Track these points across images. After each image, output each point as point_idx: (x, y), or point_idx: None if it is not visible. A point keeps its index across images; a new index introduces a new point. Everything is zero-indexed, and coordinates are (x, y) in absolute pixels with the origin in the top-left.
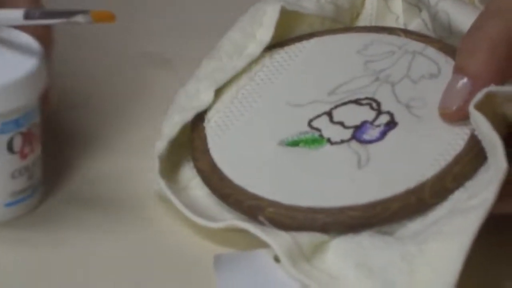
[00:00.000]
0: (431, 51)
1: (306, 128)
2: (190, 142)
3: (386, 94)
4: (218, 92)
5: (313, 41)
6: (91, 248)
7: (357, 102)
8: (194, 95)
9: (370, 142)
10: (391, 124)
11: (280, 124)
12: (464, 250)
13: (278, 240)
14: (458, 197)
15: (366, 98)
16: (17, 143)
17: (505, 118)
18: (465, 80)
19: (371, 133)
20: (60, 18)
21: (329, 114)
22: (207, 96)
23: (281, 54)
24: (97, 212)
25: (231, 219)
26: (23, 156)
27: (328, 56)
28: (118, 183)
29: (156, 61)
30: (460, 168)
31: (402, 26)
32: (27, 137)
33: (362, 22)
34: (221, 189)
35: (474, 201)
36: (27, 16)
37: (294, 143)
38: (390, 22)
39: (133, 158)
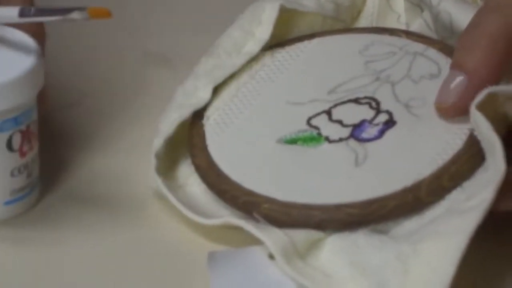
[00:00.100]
0: (432, 52)
1: (304, 126)
2: (188, 139)
3: (386, 94)
4: (218, 90)
5: (315, 41)
6: (89, 247)
7: (356, 101)
8: (192, 92)
9: (368, 140)
10: (390, 123)
11: (279, 122)
12: (460, 250)
13: (272, 237)
14: (455, 197)
15: (366, 97)
16: (16, 141)
17: (506, 117)
18: (462, 76)
19: (370, 131)
20: (56, 16)
21: (328, 112)
22: (205, 94)
23: (282, 54)
24: (95, 210)
25: (226, 216)
26: (22, 154)
27: (329, 56)
28: (117, 181)
29: (155, 59)
30: (458, 167)
31: (403, 25)
32: (26, 135)
33: (363, 20)
34: (218, 185)
35: (472, 202)
36: (22, 14)
37: (293, 141)
38: (391, 21)
39: (131, 157)
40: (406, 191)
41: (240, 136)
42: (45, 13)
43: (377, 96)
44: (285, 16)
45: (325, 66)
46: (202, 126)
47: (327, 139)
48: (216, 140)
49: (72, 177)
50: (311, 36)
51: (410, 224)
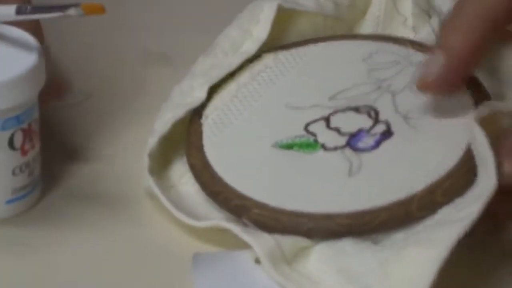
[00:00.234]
0: None
1: (302, 131)
2: (185, 137)
3: (386, 103)
4: (218, 89)
5: (319, 45)
6: (90, 245)
7: (356, 109)
8: (188, 92)
9: (364, 150)
10: (387, 133)
11: (277, 126)
12: (440, 259)
13: (260, 241)
14: (446, 211)
15: (366, 106)
16: (18, 139)
17: (500, 130)
18: (441, 55)
19: (366, 141)
20: (52, 13)
21: (326, 119)
22: (200, 93)
23: (286, 56)
24: (96, 209)
25: (216, 219)
26: (24, 152)
27: (332, 61)
28: (117, 180)
29: (155, 58)
30: (452, 183)
31: (410, 29)
32: (27, 134)
33: (368, 23)
34: (211, 186)
35: (460, 214)
36: (18, 12)
37: (288, 146)
38: (397, 24)
39: (132, 156)
40: (398, 204)
41: (236, 138)
42: (41, 11)
43: (377, 105)
44: (285, 16)
45: (328, 72)
46: (200, 125)
47: (323, 146)
48: (213, 140)
49: (73, 176)
50: (316, 40)
51: (399, 235)
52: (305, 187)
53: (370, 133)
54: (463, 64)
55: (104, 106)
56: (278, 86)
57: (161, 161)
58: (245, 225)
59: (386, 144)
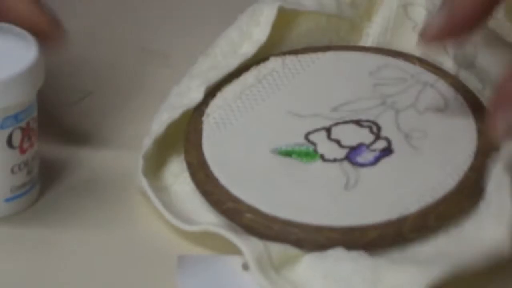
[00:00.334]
0: (442, 84)
1: (302, 140)
2: (185, 134)
3: (388, 120)
4: (222, 89)
5: (328, 54)
6: (89, 244)
7: (358, 122)
8: (184, 93)
9: (362, 165)
10: (387, 151)
11: (277, 131)
12: (433, 277)
13: (249, 245)
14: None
15: (368, 121)
16: (17, 138)
17: None
18: (448, 8)
19: (366, 156)
20: None
21: (328, 130)
22: (197, 94)
23: (293, 62)
24: (95, 208)
25: (206, 223)
26: (23, 151)
27: (339, 72)
28: (117, 179)
29: (155, 57)
30: (445, 207)
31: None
32: (26, 132)
33: (375, 25)
34: (205, 185)
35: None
36: None
37: (287, 153)
38: (406, 28)
39: (131, 154)
40: (389, 224)
41: (235, 139)
42: None
43: (379, 121)
44: (288, 17)
45: (333, 82)
46: (201, 123)
47: (322, 157)
48: (212, 139)
49: (72, 175)
50: (326, 48)
51: (391, 255)
52: (299, 196)
53: (370, 149)
54: (467, 20)
55: (104, 104)
56: (282, 91)
57: (157, 162)
58: (235, 229)
59: (385, 162)
